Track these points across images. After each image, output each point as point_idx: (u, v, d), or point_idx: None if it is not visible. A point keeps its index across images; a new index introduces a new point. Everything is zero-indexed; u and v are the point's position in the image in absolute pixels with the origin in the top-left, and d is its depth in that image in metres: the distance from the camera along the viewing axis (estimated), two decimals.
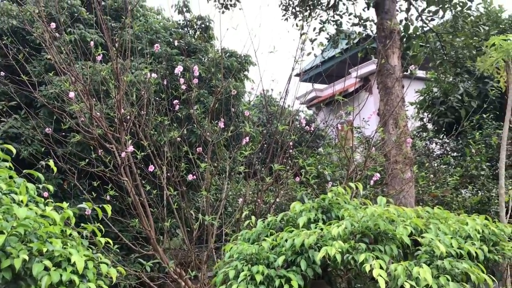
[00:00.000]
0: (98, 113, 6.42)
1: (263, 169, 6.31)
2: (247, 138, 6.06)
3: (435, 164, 12.49)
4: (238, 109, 10.61)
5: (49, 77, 8.41)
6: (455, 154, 12.85)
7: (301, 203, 4.01)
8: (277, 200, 5.95)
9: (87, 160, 6.60)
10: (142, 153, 5.84)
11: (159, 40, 10.60)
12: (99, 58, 6.30)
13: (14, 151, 3.43)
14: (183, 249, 7.10)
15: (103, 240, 3.21)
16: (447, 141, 13.40)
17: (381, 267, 2.84)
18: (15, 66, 7.59)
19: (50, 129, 6.42)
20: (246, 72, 11.93)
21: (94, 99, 6.53)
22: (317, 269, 3.15)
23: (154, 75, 6.35)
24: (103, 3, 11.40)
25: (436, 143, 13.56)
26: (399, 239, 3.15)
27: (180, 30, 11.75)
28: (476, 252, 3.19)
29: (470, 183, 10.25)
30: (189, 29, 12.03)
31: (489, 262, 3.45)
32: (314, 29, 12.26)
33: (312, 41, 12.14)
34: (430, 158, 12.60)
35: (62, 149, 8.25)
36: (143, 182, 6.54)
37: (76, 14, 10.32)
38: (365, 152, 9.17)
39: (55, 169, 3.64)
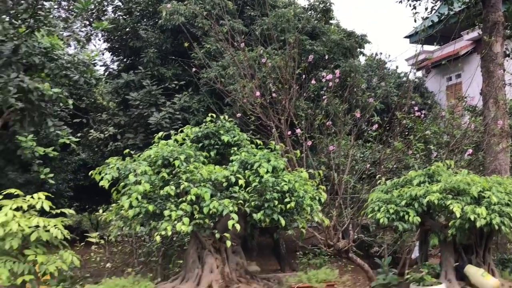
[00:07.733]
0: (258, 93, 9.69)
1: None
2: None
3: None
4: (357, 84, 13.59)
5: (209, 62, 12.07)
6: None
7: (414, 170, 7.20)
8: (394, 165, 9.16)
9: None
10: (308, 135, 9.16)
11: (290, 28, 13.78)
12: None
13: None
14: None
15: None
16: None
17: (458, 207, 5.98)
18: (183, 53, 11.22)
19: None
20: (362, 49, 14.82)
21: (245, 79, 9.96)
22: (424, 208, 6.39)
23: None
24: None
25: None
26: (471, 194, 6.23)
27: (305, 14, 14.78)
28: None
29: None
30: (312, 12, 15.05)
31: None
32: (426, 8, 14.68)
33: (424, 19, 14.53)
34: None
35: None
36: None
37: (225, 8, 13.74)
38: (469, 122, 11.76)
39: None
